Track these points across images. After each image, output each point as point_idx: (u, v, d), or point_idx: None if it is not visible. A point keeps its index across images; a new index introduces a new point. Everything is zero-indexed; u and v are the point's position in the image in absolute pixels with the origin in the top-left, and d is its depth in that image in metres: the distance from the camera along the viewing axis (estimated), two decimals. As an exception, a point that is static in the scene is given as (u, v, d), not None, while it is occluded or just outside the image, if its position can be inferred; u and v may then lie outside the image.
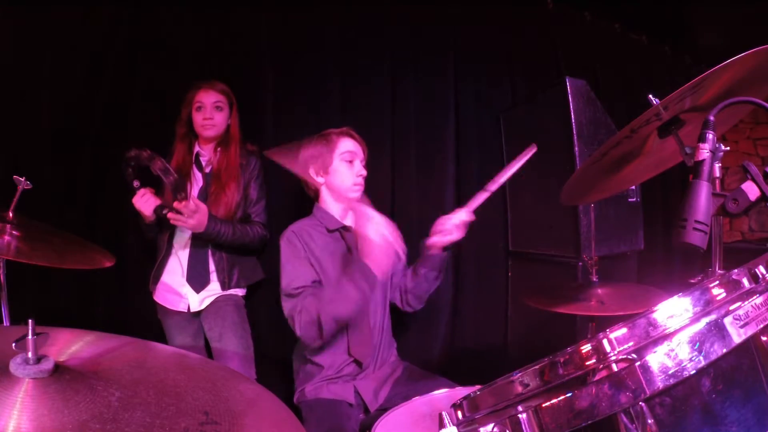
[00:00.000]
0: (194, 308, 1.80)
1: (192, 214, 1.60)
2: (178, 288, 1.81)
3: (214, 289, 1.82)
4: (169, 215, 1.59)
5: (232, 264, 1.83)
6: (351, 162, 1.60)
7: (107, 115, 1.95)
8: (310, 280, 1.48)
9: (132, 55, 1.98)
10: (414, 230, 1.87)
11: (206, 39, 2.06)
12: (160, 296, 1.84)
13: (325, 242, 1.59)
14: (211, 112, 1.81)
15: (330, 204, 1.64)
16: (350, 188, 1.60)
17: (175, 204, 1.57)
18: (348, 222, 1.65)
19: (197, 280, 1.80)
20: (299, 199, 1.90)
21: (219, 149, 1.87)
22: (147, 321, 1.89)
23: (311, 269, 1.51)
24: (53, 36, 1.87)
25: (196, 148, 1.87)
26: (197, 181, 1.86)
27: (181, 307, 1.81)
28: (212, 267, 1.82)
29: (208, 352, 1.85)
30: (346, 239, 1.61)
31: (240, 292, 1.90)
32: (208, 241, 1.75)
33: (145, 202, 1.60)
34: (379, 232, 1.39)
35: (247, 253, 1.88)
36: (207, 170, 1.87)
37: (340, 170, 1.61)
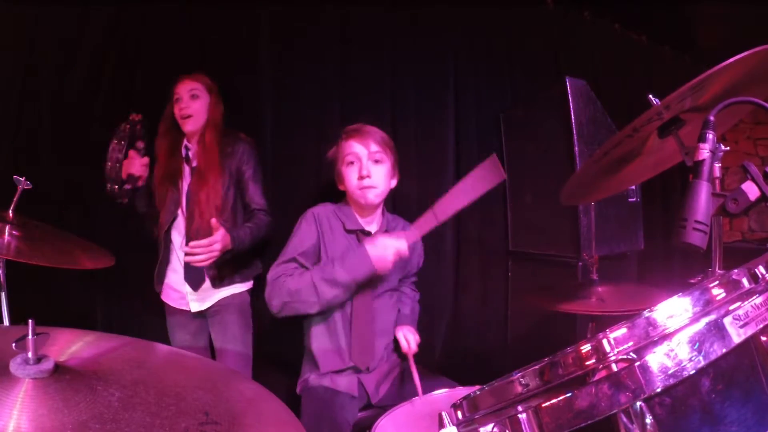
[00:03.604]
0: (195, 309, 1.78)
1: (212, 247, 1.54)
2: (179, 287, 1.79)
3: (210, 287, 1.77)
4: (189, 260, 1.57)
5: (228, 260, 1.72)
6: (353, 164, 1.54)
7: (107, 115, 1.95)
8: (311, 265, 1.51)
9: (132, 54, 1.98)
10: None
11: (207, 36, 2.06)
12: (165, 294, 1.83)
13: (341, 238, 1.57)
14: (186, 101, 1.75)
15: (352, 209, 1.62)
16: (355, 192, 1.55)
17: (191, 246, 1.53)
18: (370, 228, 1.62)
19: (193, 277, 1.76)
20: (312, 189, 1.91)
21: (198, 142, 1.79)
22: (147, 321, 1.89)
23: (316, 257, 1.53)
24: (53, 35, 1.87)
25: (185, 142, 1.82)
26: (186, 177, 1.80)
27: (183, 306, 1.79)
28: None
29: (212, 351, 1.85)
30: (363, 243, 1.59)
31: (245, 286, 1.84)
32: (235, 251, 1.67)
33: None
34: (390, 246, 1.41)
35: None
36: (194, 164, 1.79)
37: (346, 176, 1.56)
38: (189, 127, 1.77)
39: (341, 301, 1.47)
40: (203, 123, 1.78)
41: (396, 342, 1.65)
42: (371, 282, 1.54)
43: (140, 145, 1.69)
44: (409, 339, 1.57)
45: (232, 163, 1.79)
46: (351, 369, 1.55)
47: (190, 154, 1.81)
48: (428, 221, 1.43)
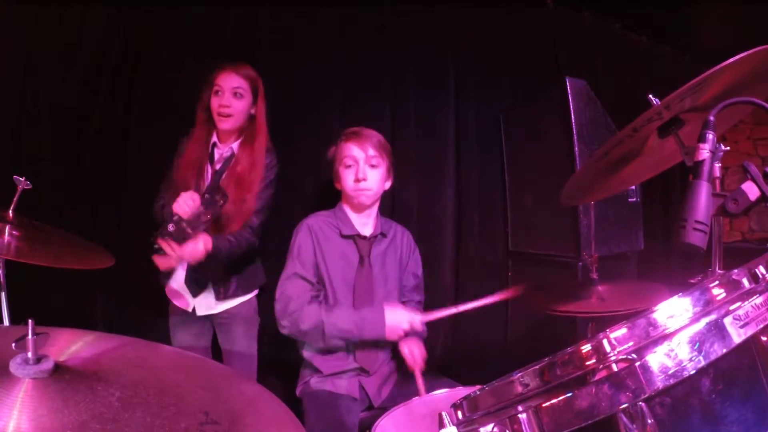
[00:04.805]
0: (201, 313, 1.73)
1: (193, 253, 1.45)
2: (182, 288, 1.74)
3: (212, 297, 1.71)
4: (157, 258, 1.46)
5: (230, 273, 1.69)
6: (350, 167, 1.59)
7: (107, 115, 1.95)
8: (313, 277, 1.55)
9: (132, 53, 1.98)
10: (413, 230, 1.87)
11: (206, 36, 2.06)
12: (170, 292, 1.78)
13: (337, 245, 1.60)
14: (228, 98, 1.61)
15: (348, 210, 1.65)
16: (351, 193, 1.59)
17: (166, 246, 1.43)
18: (365, 232, 1.64)
19: (194, 283, 1.69)
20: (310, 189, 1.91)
21: (242, 145, 1.66)
22: (147, 321, 1.88)
23: (315, 268, 1.57)
24: (53, 35, 1.87)
25: (213, 138, 1.69)
26: (206, 179, 1.68)
27: (187, 307, 1.75)
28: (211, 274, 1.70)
29: (215, 352, 1.83)
30: (360, 247, 1.61)
31: (251, 294, 1.79)
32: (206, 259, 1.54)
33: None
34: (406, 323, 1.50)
35: (246, 260, 1.75)
36: (218, 167, 1.68)
37: (343, 177, 1.61)
38: (226, 125, 1.64)
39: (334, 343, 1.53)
40: (240, 124, 1.68)
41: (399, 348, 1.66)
42: (372, 287, 1.61)
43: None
44: (414, 353, 1.56)
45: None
46: (352, 371, 1.55)
47: (217, 153, 1.71)
48: (446, 313, 1.58)
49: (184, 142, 1.72)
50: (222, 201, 1.49)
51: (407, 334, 1.52)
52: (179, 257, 1.46)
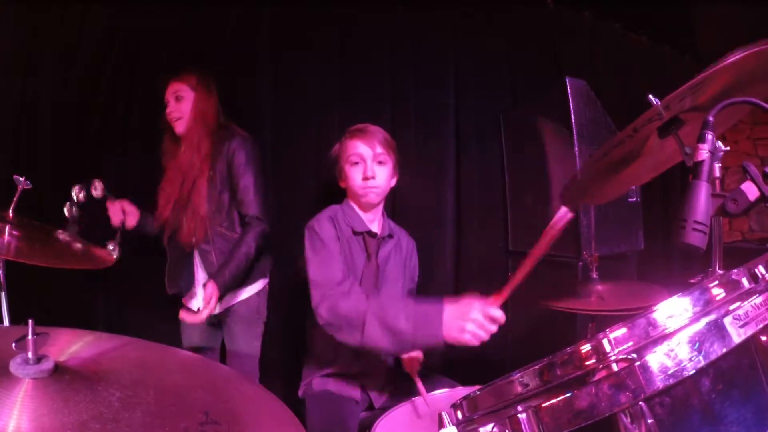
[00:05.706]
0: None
1: (205, 310, 1.55)
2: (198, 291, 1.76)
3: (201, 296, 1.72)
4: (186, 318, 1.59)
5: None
6: (357, 164, 1.55)
7: (107, 115, 1.95)
8: (344, 272, 1.44)
9: (132, 54, 1.98)
10: (413, 230, 1.87)
11: (207, 37, 2.06)
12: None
13: (349, 240, 1.56)
14: (172, 104, 1.71)
15: (356, 207, 1.61)
16: (358, 192, 1.56)
17: (189, 320, 1.57)
18: (374, 228, 1.61)
19: (184, 284, 1.73)
20: (311, 190, 1.91)
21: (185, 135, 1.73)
22: (147, 321, 1.88)
23: (342, 261, 1.46)
24: (53, 36, 1.87)
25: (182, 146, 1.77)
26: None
27: (192, 306, 1.76)
28: (199, 275, 1.74)
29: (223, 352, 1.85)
30: (368, 245, 1.58)
31: (256, 288, 1.79)
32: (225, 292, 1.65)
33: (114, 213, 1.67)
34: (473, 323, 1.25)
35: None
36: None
37: (350, 175, 1.56)
38: (179, 129, 1.73)
39: (384, 353, 1.41)
40: (194, 122, 1.73)
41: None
42: (378, 287, 1.57)
43: (98, 192, 1.65)
44: (411, 354, 1.55)
45: (223, 161, 1.69)
46: (355, 372, 1.54)
47: None
48: (513, 283, 1.31)
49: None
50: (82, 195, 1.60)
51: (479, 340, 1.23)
52: (203, 317, 1.58)
